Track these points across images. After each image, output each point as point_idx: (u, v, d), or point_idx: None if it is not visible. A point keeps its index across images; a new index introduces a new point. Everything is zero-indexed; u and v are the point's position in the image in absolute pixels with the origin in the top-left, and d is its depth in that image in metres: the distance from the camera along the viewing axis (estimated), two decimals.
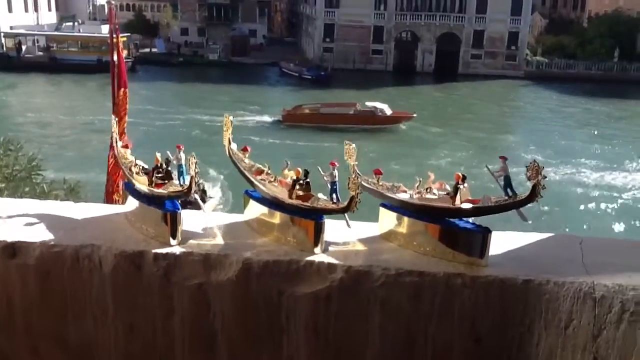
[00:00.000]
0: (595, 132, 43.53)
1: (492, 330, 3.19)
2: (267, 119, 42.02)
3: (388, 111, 40.35)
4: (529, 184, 3.07)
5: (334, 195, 3.35)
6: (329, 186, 3.39)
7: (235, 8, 79.12)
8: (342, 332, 3.28)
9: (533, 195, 3.05)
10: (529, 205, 3.16)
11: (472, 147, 36.84)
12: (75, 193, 10.42)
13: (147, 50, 68.26)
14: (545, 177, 3.03)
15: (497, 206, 3.19)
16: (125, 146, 4.01)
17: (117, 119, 5.05)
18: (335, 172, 3.39)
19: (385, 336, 3.27)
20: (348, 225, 3.46)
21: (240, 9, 79.24)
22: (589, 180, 32.38)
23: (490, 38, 66.53)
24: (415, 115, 40.87)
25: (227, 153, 3.89)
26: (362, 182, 3.46)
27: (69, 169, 21.57)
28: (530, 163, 3.04)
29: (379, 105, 40.74)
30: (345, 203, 3.22)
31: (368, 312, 3.24)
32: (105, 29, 56.09)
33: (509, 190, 3.19)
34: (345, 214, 3.35)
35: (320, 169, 3.54)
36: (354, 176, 3.22)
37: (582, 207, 28.31)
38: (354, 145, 3.48)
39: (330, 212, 3.29)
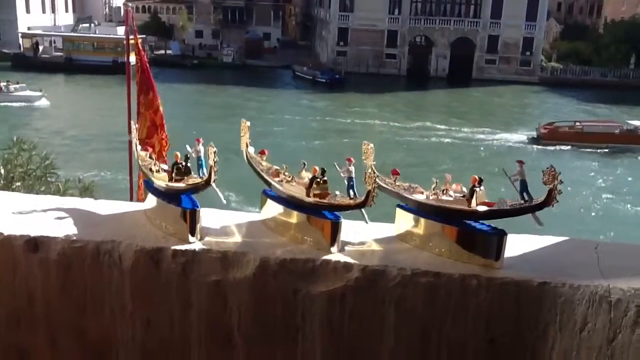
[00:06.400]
0: None
1: (506, 332, 3.21)
2: (520, 137, 40.34)
3: None
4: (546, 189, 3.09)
5: (351, 192, 3.36)
6: (346, 182, 3.41)
7: (250, 11, 79.58)
8: (356, 331, 3.31)
9: (549, 199, 3.07)
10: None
11: None
12: (90, 192, 10.53)
13: (162, 52, 68.67)
14: (562, 182, 3.04)
15: (513, 209, 3.21)
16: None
17: (137, 124, 5.01)
18: (352, 168, 3.39)
19: (399, 335, 3.29)
20: (366, 221, 3.48)
21: (255, 12, 79.65)
22: (602, 186, 31.97)
23: (504, 43, 66.23)
24: None
25: (245, 156, 3.93)
26: (379, 182, 3.48)
27: (83, 168, 21.77)
28: (547, 168, 3.06)
29: None
30: (362, 198, 3.23)
31: (383, 312, 3.26)
32: (121, 31, 56.69)
33: (524, 194, 3.21)
34: (363, 210, 3.37)
35: (337, 166, 3.56)
36: (369, 171, 3.24)
37: (594, 212, 28.01)
38: (372, 145, 3.50)
39: (347, 208, 3.30)
